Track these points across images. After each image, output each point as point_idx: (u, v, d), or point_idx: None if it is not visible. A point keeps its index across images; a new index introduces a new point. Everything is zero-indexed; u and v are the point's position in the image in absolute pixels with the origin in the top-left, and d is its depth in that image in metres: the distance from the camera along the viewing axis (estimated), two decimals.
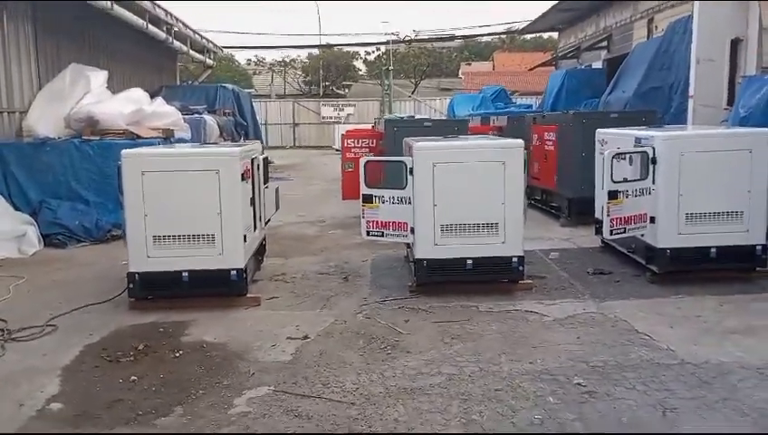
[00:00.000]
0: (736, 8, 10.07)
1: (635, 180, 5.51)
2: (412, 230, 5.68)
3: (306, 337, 4.81)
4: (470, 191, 5.52)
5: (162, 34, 14.06)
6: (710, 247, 5.62)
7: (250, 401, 3.75)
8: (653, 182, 5.60)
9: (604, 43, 19.41)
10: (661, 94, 12.04)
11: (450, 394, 3.75)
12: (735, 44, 10.25)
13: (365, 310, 5.43)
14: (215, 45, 20.14)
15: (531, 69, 28.06)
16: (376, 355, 4.41)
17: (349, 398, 3.75)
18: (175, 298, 5.54)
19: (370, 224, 5.87)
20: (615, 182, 5.36)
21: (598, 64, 19.72)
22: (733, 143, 5.64)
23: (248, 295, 5.68)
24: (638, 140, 5.91)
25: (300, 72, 47.55)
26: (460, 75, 49.33)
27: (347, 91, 46.90)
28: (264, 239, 7.09)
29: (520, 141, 5.66)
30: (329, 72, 45.83)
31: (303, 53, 48.01)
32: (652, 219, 5.68)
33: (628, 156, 5.91)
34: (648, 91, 12.23)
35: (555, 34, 26.08)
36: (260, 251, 6.83)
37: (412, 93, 41.13)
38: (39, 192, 8.70)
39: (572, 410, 3.49)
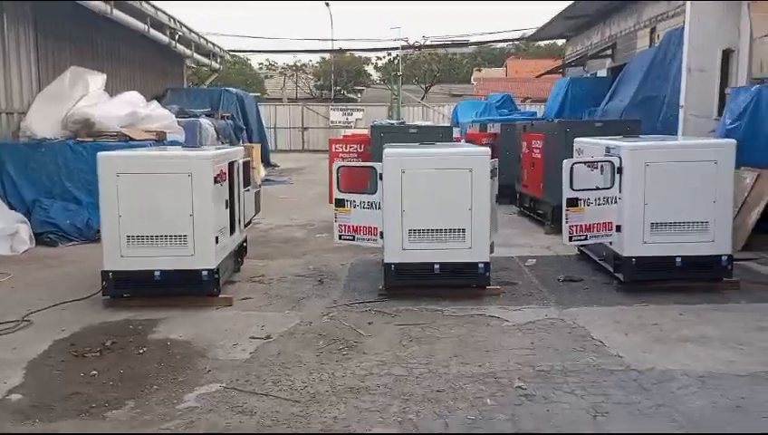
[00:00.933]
0: (728, 19, 10.11)
1: (598, 189, 5.59)
2: (382, 235, 5.79)
3: (269, 337, 4.93)
4: (438, 197, 5.62)
5: (165, 38, 14.32)
6: (675, 257, 5.68)
7: (200, 397, 3.88)
8: (619, 191, 5.67)
9: (609, 52, 19.46)
10: (657, 104, 12.07)
11: (393, 394, 3.86)
12: (727, 55, 10.29)
13: (332, 312, 5.54)
14: (221, 49, 20.41)
15: (537, 76, 28.08)
16: (331, 356, 4.52)
17: (295, 396, 3.87)
18: (149, 297, 5.69)
19: (342, 228, 6.00)
20: (574, 190, 5.44)
21: (603, 73, 19.74)
22: (698, 154, 5.70)
23: (221, 296, 5.82)
24: (607, 150, 5.99)
25: (311, 77, 47.84)
26: (472, 81, 49.46)
27: (359, 96, 47.16)
28: (245, 241, 7.24)
29: (486, 150, 5.75)
30: (340, 76, 46.09)
31: (315, 58, 48.28)
32: (618, 228, 5.75)
33: (599, 165, 6.00)
34: (643, 100, 12.26)
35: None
36: (239, 253, 6.97)
37: (422, 99, 41.28)
38: (33, 191, 8.92)
39: (506, 412, 3.58)
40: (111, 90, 11.60)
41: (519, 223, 10.15)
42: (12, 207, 8.81)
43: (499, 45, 57.38)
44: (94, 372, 4.27)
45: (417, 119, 32.92)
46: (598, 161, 5.77)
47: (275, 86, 48.08)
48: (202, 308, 5.63)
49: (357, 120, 34.45)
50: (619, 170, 5.65)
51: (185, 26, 15.47)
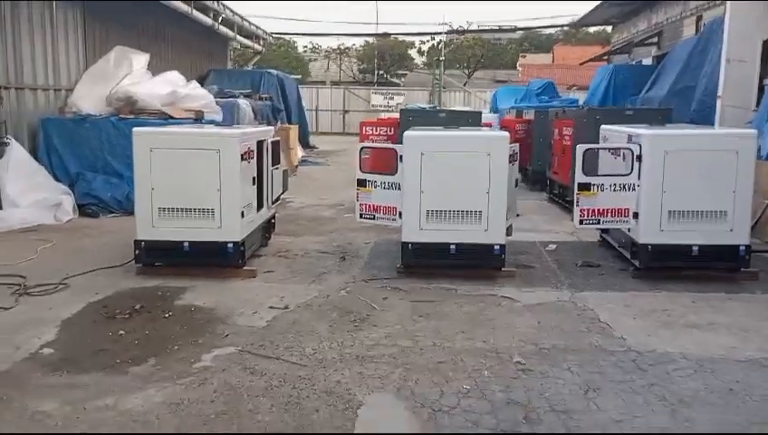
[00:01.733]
0: None
1: (612, 175, 5.64)
2: (401, 215, 5.96)
3: (287, 307, 5.18)
4: (455, 179, 5.75)
5: (208, 20, 14.67)
6: (692, 245, 5.69)
7: (215, 358, 4.14)
8: (638, 178, 5.70)
9: (655, 40, 19.06)
10: (694, 93, 11.85)
11: (396, 363, 4.05)
12: (767, 46, 10.03)
13: (350, 287, 5.76)
14: (264, 32, 20.74)
15: (582, 63, 27.62)
16: (344, 327, 4.74)
17: (303, 361, 4.10)
18: (179, 266, 6.01)
19: (363, 207, 6.20)
20: (586, 175, 5.50)
21: (648, 61, 19.37)
22: (719, 144, 5.68)
23: (246, 268, 6.10)
24: (629, 138, 6.01)
25: (355, 60, 48.03)
26: (517, 67, 48.87)
27: (402, 80, 47.16)
28: (274, 218, 7.51)
29: (505, 134, 5.86)
30: (383, 60, 46.17)
31: (359, 41, 48.44)
32: (636, 215, 5.79)
33: (621, 152, 6.02)
34: (681, 90, 12.05)
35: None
36: (267, 228, 7.24)
37: (464, 84, 41.07)
38: (77, 165, 9.37)
39: (500, 384, 3.73)
40: (157, 70, 11.99)
41: (547, 209, 10.18)
42: (57, 179, 9.28)
43: (546, 31, 56.47)
44: (122, 332, 4.58)
45: (458, 104, 32.81)
46: (616, 148, 5.81)
47: (320, 69, 48.51)
48: (227, 279, 5.91)
49: (398, 104, 34.52)
50: (639, 158, 5.68)
51: (228, 8, 15.82)
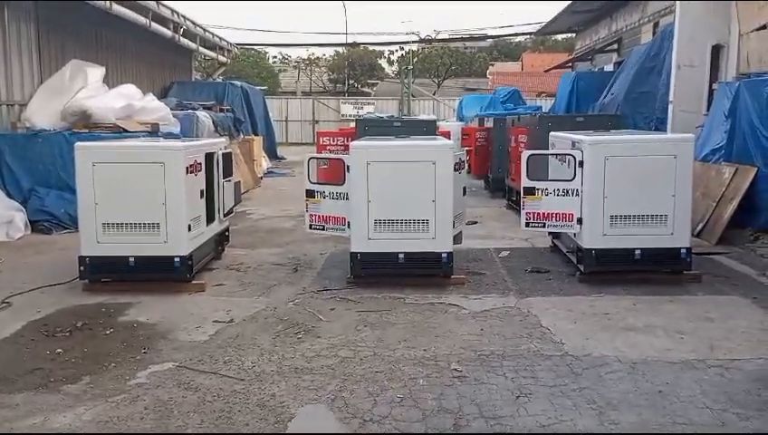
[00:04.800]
0: (718, 14, 10.11)
1: (556, 180, 5.73)
2: (350, 225, 5.97)
3: (231, 321, 5.15)
4: (402, 189, 5.79)
5: (168, 32, 14.57)
6: (635, 249, 5.79)
7: (151, 375, 4.10)
8: (581, 184, 5.79)
9: (615, 46, 19.42)
10: (651, 98, 12.09)
11: (334, 374, 4.05)
12: (717, 50, 10.29)
13: (299, 299, 5.75)
14: (228, 43, 20.66)
15: (546, 70, 28.05)
16: (287, 339, 4.72)
17: (241, 374, 4.08)
18: (125, 282, 5.94)
19: (313, 217, 6.20)
20: (530, 180, 5.59)
21: (609, 67, 19.69)
22: (658, 149, 5.80)
23: (194, 282, 6.05)
24: (573, 144, 6.10)
25: (325, 70, 48.05)
26: (487, 75, 49.31)
27: (373, 89, 47.28)
28: (228, 230, 7.47)
29: (450, 143, 5.93)
30: (353, 70, 46.26)
31: (329, 51, 48.50)
32: (580, 220, 5.87)
33: (568, 157, 6.11)
34: (637, 96, 12.29)
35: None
36: (220, 241, 7.20)
37: (434, 93, 41.31)
38: (30, 180, 9.22)
39: (434, 392, 3.75)
40: (117, 82, 11.89)
41: (505, 216, 10.27)
42: (10, 196, 9.12)
43: (515, 40, 57.08)
44: (59, 350, 4.51)
45: (428, 113, 33.00)
46: (559, 154, 5.90)
47: (290, 80, 48.39)
48: (175, 293, 5.86)
49: (368, 113, 34.61)
50: (581, 164, 5.77)
51: (189, 20, 15.72)
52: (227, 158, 7.10)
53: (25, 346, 4.65)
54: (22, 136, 9.41)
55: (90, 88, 10.41)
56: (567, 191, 5.78)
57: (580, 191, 5.81)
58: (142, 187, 5.72)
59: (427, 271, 5.94)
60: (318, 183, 6.08)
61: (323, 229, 6.17)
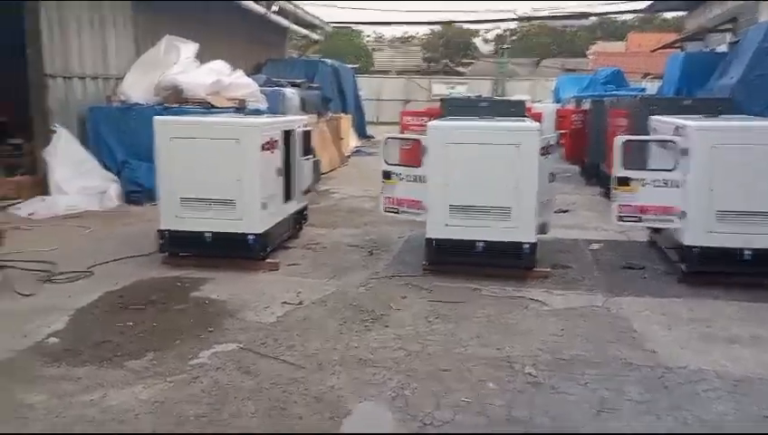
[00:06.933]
0: None
1: (655, 169, 5.18)
2: (425, 209, 5.69)
3: (300, 303, 5.01)
4: (482, 173, 5.43)
5: (261, 9, 14.66)
6: (744, 249, 5.17)
7: (213, 355, 4.02)
8: (684, 174, 5.22)
9: (730, 26, 17.87)
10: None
11: (398, 369, 3.81)
12: None
13: (371, 283, 5.54)
14: (321, 21, 20.67)
15: (652, 51, 26.30)
16: (353, 326, 4.53)
17: (302, 362, 3.92)
18: (203, 257, 5.95)
19: (387, 200, 5.95)
20: (625, 168, 5.08)
21: (723, 48, 18.19)
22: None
23: (269, 260, 5.98)
24: (676, 129, 5.52)
25: (419, 49, 47.56)
26: (588, 55, 47.15)
27: (468, 69, 46.37)
28: (306, 209, 7.37)
29: (536, 125, 5.48)
30: (448, 49, 45.50)
31: (423, 30, 47.88)
32: (683, 214, 5.30)
33: (669, 144, 5.53)
34: (754, 79, 11.16)
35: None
36: (298, 220, 7.11)
37: (531, 73, 39.97)
38: (124, 153, 9.51)
39: (504, 398, 3.43)
40: (212, 58, 12.00)
41: (600, 205, 9.62)
42: (106, 167, 9.46)
43: (621, 18, 54.23)
44: (130, 323, 4.53)
45: (523, 93, 31.97)
46: (659, 140, 5.33)
47: (385, 58, 48.30)
48: (249, 271, 5.81)
49: (459, 93, 33.96)
50: (685, 152, 5.19)
51: None
52: (307, 135, 6.98)
53: (98, 317, 4.70)
54: (116, 109, 9.71)
55: (182, 63, 10.58)
56: (667, 182, 5.22)
57: (682, 182, 5.24)
58: (218, 163, 5.67)
59: (506, 262, 5.57)
60: (394, 164, 5.82)
61: (397, 213, 5.91)
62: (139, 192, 9.18)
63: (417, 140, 5.68)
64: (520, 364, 3.88)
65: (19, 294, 5.03)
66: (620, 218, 5.36)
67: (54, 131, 8.86)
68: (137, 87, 10.30)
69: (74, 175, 8.95)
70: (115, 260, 6.08)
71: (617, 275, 5.79)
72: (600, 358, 3.99)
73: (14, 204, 8.55)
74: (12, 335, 4.25)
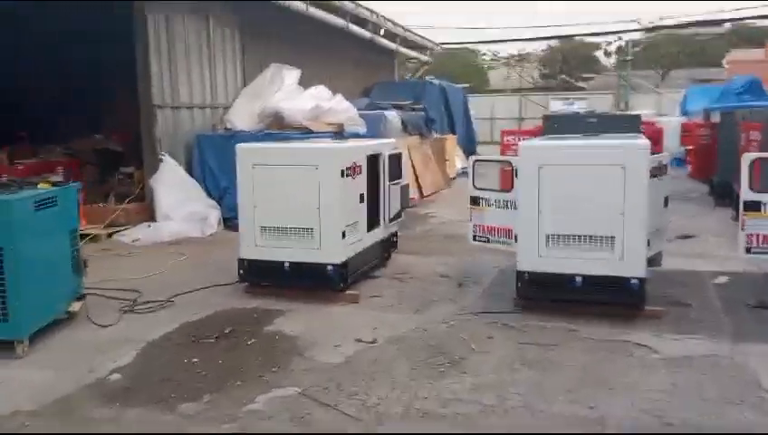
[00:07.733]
0: None
1: None
2: (516, 238, 5.15)
3: (374, 341, 4.65)
4: (582, 198, 4.81)
5: (367, 34, 14.65)
6: None
7: (270, 400, 3.73)
8: None
9: None
10: None
11: (466, 427, 3.32)
12: None
13: (455, 320, 5.07)
14: (431, 42, 20.49)
15: None
16: (426, 371, 4.09)
17: (362, 414, 3.53)
18: (283, 287, 5.75)
19: (477, 228, 5.48)
20: (754, 191, 4.26)
21: None
22: None
23: (348, 292, 5.68)
24: None
25: (536, 66, 46.35)
26: (723, 64, 43.67)
27: (589, 84, 44.52)
28: (395, 235, 7.03)
29: (645, 143, 4.77)
30: (566, 64, 43.95)
31: (541, 45, 46.60)
32: None
33: None
34: None
35: None
36: (385, 247, 6.77)
37: (657, 86, 37.58)
38: (226, 179, 9.63)
39: None
40: (321, 84, 12.05)
41: (729, 230, 8.46)
42: (209, 194, 9.67)
43: (760, 23, 49.89)
44: (195, 360, 4.36)
45: (647, 107, 30.03)
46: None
47: (500, 77, 47.52)
48: (327, 303, 5.53)
49: (580, 109, 32.52)
50: None
51: (389, 21, 15.72)
52: (395, 159, 6.64)
53: (168, 351, 4.58)
54: (219, 136, 9.92)
55: (285, 90, 10.69)
56: None
57: None
58: (297, 189, 5.47)
59: (610, 299, 4.89)
60: (482, 188, 5.33)
61: (488, 241, 5.43)
62: (237, 218, 9.25)
63: (509, 162, 5.17)
64: (615, 429, 3.25)
65: (95, 324, 5.04)
66: (748, 250, 4.54)
67: (162, 160, 9.16)
68: (242, 114, 10.52)
69: (179, 202, 9.18)
70: (199, 289, 6.02)
71: (746, 317, 4.92)
72: (718, 423, 3.27)
73: (122, 230, 8.89)
74: (78, 370, 4.19)
